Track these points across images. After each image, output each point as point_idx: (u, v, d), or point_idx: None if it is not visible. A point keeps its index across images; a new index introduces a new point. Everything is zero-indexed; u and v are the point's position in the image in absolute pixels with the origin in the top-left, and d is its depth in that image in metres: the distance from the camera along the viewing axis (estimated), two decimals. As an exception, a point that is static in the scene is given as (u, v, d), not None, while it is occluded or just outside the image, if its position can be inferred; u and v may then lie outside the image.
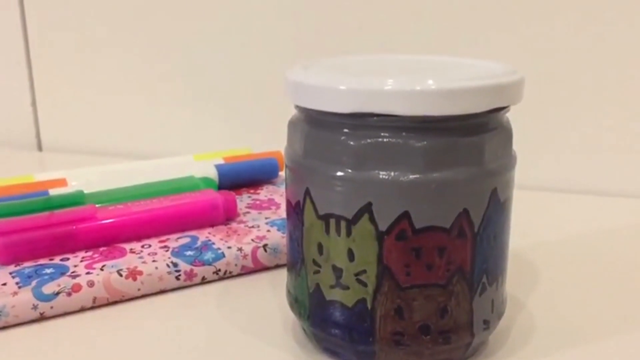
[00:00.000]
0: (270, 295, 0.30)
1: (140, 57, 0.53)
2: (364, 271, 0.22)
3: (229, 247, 0.32)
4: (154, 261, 0.30)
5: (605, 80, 0.43)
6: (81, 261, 0.31)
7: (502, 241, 0.24)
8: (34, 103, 0.58)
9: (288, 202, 0.25)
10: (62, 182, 0.37)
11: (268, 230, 0.34)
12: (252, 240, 0.33)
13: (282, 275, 0.32)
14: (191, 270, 0.31)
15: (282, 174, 0.44)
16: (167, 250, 0.32)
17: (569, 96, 0.44)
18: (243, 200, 0.39)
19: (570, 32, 0.43)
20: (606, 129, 0.44)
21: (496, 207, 0.23)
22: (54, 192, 0.36)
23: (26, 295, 0.27)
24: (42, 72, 0.57)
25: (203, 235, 0.34)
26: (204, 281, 0.31)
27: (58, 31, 0.55)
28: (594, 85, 0.44)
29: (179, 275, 0.30)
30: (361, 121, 0.21)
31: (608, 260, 0.33)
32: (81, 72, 0.55)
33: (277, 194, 0.40)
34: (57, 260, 0.31)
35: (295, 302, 0.25)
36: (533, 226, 0.38)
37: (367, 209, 0.22)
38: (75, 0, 0.54)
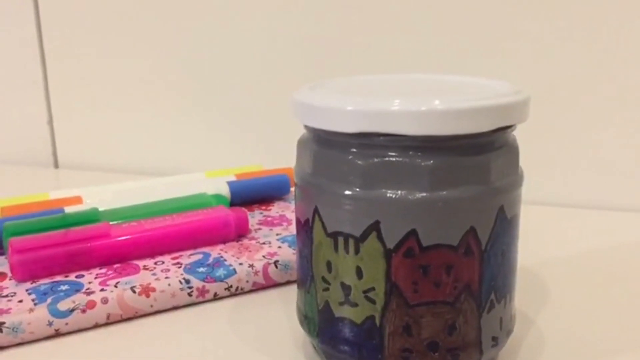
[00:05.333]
0: (281, 312, 0.30)
1: (154, 77, 0.54)
2: (373, 288, 0.23)
3: (241, 264, 0.32)
4: (166, 278, 0.31)
5: (613, 96, 0.44)
6: (95, 278, 0.31)
7: (510, 258, 0.24)
8: (50, 121, 0.59)
9: (297, 220, 0.25)
10: (77, 200, 0.38)
11: (279, 247, 0.34)
12: (264, 256, 0.33)
13: (293, 291, 0.32)
14: (203, 286, 0.31)
15: (293, 190, 0.44)
16: (179, 267, 0.32)
17: (576, 112, 0.45)
18: (254, 217, 0.40)
19: (577, 51, 0.43)
20: (614, 144, 0.44)
21: (503, 225, 0.23)
22: (69, 209, 0.37)
23: (42, 312, 0.28)
24: (58, 91, 0.58)
25: (215, 251, 0.34)
26: (215, 297, 0.32)
27: (74, 50, 0.56)
28: (601, 101, 0.44)
29: (191, 291, 0.31)
30: (368, 141, 0.22)
31: (618, 277, 0.33)
32: (96, 91, 0.56)
33: (288, 210, 0.41)
34: (72, 277, 0.31)
35: (305, 319, 0.26)
36: (542, 243, 0.38)
37: (375, 227, 0.22)
38: (92, 19, 0.55)
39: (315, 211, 0.24)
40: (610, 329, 0.28)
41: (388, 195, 0.22)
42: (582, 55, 0.43)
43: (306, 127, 0.24)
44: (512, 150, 0.23)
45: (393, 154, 0.22)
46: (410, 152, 0.22)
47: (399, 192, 0.22)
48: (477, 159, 0.22)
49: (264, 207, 0.42)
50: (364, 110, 0.21)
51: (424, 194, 0.22)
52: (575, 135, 0.45)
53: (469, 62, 0.46)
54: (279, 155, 0.49)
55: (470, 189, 0.22)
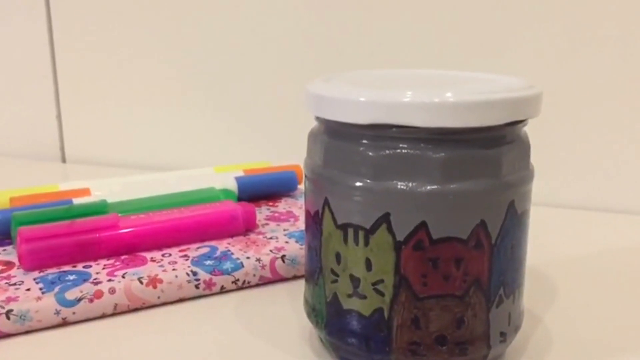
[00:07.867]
0: (287, 305, 0.30)
1: (162, 72, 0.55)
2: (382, 281, 0.23)
3: (248, 258, 0.32)
4: (174, 270, 0.31)
5: (627, 95, 0.43)
6: (103, 268, 0.31)
7: (519, 253, 0.24)
8: (59, 116, 0.59)
9: (307, 212, 0.25)
10: (85, 192, 0.38)
11: (286, 242, 0.34)
12: (271, 251, 0.33)
13: (300, 285, 0.32)
14: (210, 279, 0.31)
15: (300, 187, 0.44)
16: (187, 260, 0.32)
17: (589, 112, 0.44)
18: (262, 212, 0.40)
19: (590, 47, 0.43)
20: (626, 146, 0.44)
21: (513, 220, 0.23)
22: (78, 201, 0.37)
23: (49, 301, 0.28)
24: (67, 85, 0.58)
25: (222, 245, 0.34)
26: (222, 290, 0.32)
27: (84, 45, 0.56)
28: (615, 100, 0.44)
29: (198, 284, 0.31)
30: (380, 132, 0.22)
31: (626, 278, 0.33)
32: (105, 86, 0.57)
33: (295, 206, 0.41)
34: (79, 267, 0.31)
35: (313, 311, 0.26)
36: (551, 243, 0.38)
37: (385, 219, 0.22)
38: (102, 14, 0.55)
39: (326, 203, 0.24)
40: (617, 328, 0.28)
41: (399, 187, 0.22)
42: (595, 51, 0.43)
43: (318, 119, 0.24)
44: (523, 145, 0.23)
45: (404, 145, 0.22)
46: (422, 144, 0.22)
47: (410, 184, 0.22)
48: (489, 152, 0.22)
49: (271, 203, 0.42)
50: (377, 102, 0.21)
51: (435, 187, 0.22)
52: (583, 138, 0.45)
53: (481, 58, 0.46)
54: (286, 153, 0.49)
55: (481, 182, 0.22)
